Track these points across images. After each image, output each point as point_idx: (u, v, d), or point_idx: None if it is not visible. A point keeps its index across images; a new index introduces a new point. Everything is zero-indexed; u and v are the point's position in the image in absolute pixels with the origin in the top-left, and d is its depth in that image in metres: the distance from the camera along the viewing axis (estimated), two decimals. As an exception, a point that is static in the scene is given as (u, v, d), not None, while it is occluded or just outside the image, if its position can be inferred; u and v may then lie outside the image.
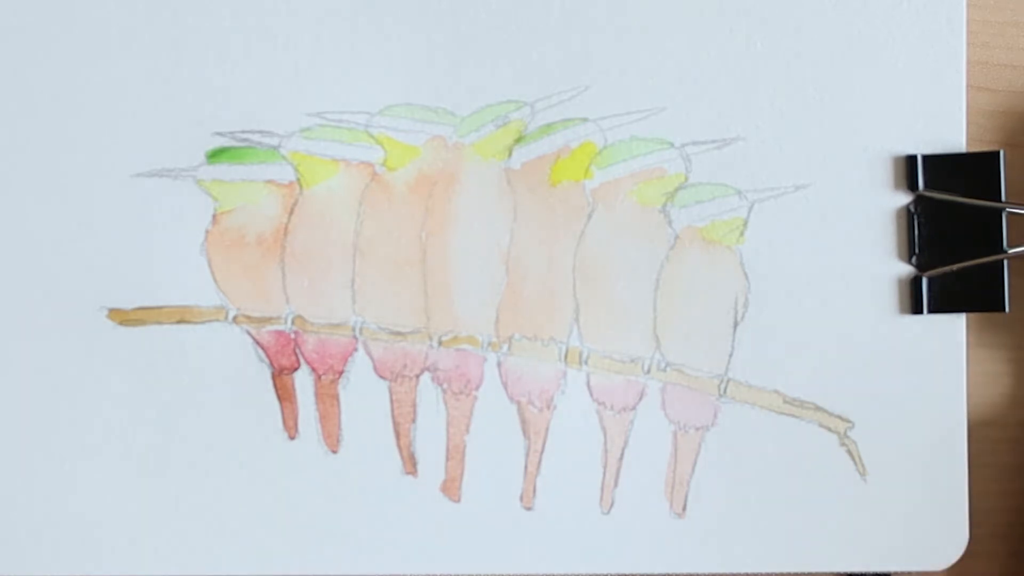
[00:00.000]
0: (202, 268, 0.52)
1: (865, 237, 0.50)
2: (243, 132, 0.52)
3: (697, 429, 0.51)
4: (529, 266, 0.51)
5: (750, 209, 0.51)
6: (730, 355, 0.51)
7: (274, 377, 0.52)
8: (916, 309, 0.50)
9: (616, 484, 0.51)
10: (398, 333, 0.52)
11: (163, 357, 0.52)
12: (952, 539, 0.51)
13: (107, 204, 0.52)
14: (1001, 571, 0.52)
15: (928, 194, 0.50)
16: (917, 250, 0.50)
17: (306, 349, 0.52)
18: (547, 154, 0.51)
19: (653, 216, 0.51)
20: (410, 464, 0.52)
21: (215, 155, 0.52)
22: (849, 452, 0.51)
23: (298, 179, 0.52)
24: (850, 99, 0.50)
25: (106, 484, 0.52)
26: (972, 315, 0.51)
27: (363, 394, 0.52)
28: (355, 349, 0.52)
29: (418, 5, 0.51)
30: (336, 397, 0.52)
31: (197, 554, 0.52)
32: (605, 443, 0.51)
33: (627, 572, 0.52)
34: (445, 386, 0.52)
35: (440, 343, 0.52)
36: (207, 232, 0.52)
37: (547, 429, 0.52)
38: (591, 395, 0.51)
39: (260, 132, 0.51)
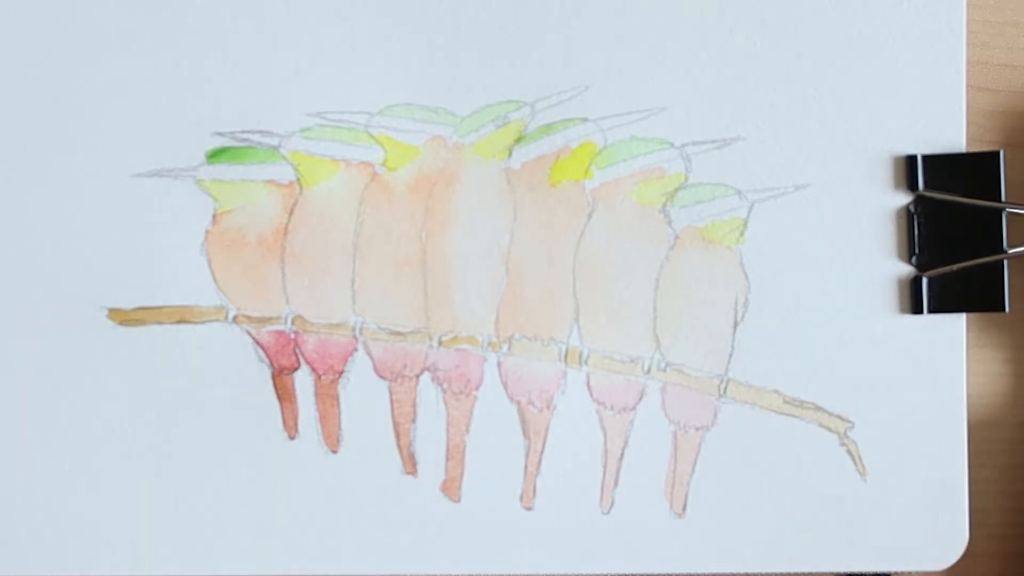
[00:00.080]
0: (202, 268, 0.52)
1: (865, 237, 0.50)
2: (243, 132, 0.52)
3: (697, 429, 0.51)
4: (529, 266, 0.51)
5: (750, 209, 0.51)
6: (730, 355, 0.51)
7: (274, 377, 0.52)
8: (916, 309, 0.50)
9: (616, 484, 0.51)
10: (398, 333, 0.52)
11: (163, 357, 0.52)
12: (952, 539, 0.51)
13: (107, 204, 0.52)
14: (1001, 571, 0.52)
15: (928, 194, 0.50)
16: (917, 250, 0.50)
17: (306, 349, 0.52)
18: (547, 154, 0.51)
19: (653, 216, 0.51)
20: (410, 464, 0.52)
21: (215, 155, 0.52)
22: (849, 452, 0.51)
23: (298, 179, 0.52)
24: (850, 99, 0.50)
25: (106, 484, 0.52)
26: (972, 315, 0.51)
27: (363, 394, 0.52)
28: (355, 349, 0.52)
29: (418, 5, 0.51)
30: (336, 397, 0.52)
31: (197, 554, 0.52)
32: (605, 443, 0.51)
33: (627, 572, 0.52)
34: (445, 386, 0.52)
35: (440, 343, 0.52)
36: (207, 232, 0.52)
37: (547, 429, 0.52)
38: (591, 395, 0.51)
39: (260, 132, 0.51)
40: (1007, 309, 0.50)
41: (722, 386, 0.51)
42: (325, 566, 0.52)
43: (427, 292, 0.51)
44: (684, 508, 0.51)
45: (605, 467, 0.52)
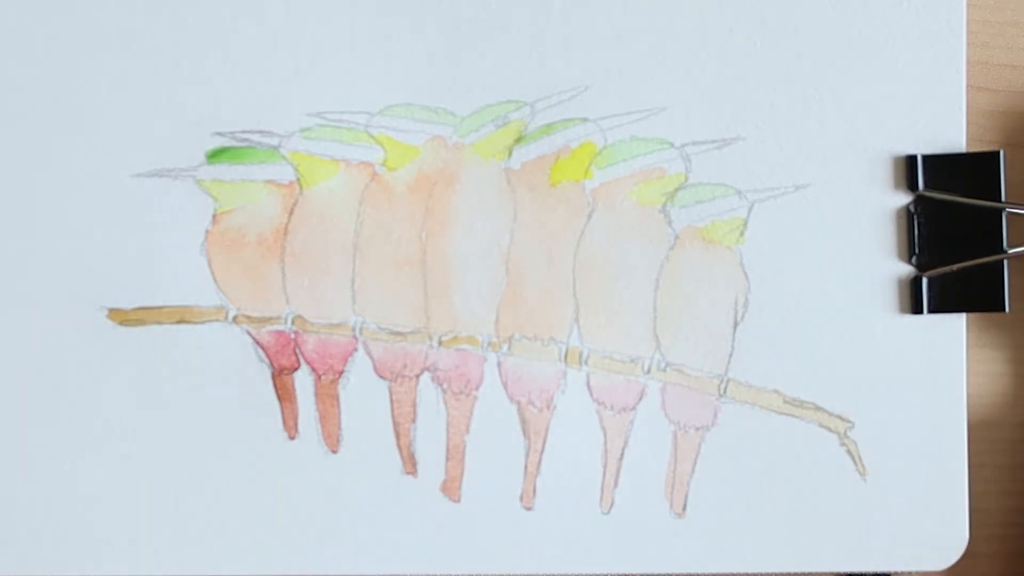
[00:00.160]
0: (202, 268, 0.52)
1: (865, 237, 0.50)
2: (243, 132, 0.52)
3: (697, 429, 0.51)
4: (529, 266, 0.51)
5: (750, 209, 0.51)
6: (730, 355, 0.51)
7: (274, 377, 0.52)
8: (916, 309, 0.50)
9: (616, 484, 0.51)
10: (398, 333, 0.52)
11: (163, 357, 0.52)
12: (952, 539, 0.51)
13: (107, 204, 0.52)
14: (1001, 571, 0.52)
15: (928, 194, 0.50)
16: (917, 250, 0.50)
17: (306, 349, 0.52)
18: (547, 154, 0.51)
19: (653, 216, 0.51)
20: (410, 464, 0.52)
21: (215, 155, 0.52)
22: (849, 452, 0.51)
23: (298, 179, 0.52)
24: (850, 99, 0.50)
25: (106, 484, 0.52)
26: (972, 315, 0.51)
27: (363, 394, 0.52)
28: (355, 349, 0.52)
29: (418, 5, 0.51)
30: (336, 397, 0.52)
31: (197, 554, 0.52)
32: (605, 443, 0.51)
33: (627, 572, 0.52)
34: (445, 386, 0.52)
35: (440, 343, 0.52)
36: (207, 232, 0.52)
37: (547, 429, 0.52)
38: (591, 395, 0.51)
39: (260, 132, 0.51)
40: (1007, 309, 0.50)
41: (722, 386, 0.51)
42: (325, 566, 0.52)
43: (427, 292, 0.51)
44: (684, 508, 0.51)
45: (605, 467, 0.52)
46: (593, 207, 0.51)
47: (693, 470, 0.51)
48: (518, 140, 0.51)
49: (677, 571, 0.51)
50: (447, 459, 0.52)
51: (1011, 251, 0.50)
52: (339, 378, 0.52)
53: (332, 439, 0.52)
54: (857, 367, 0.51)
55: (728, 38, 0.50)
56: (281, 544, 0.52)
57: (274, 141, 0.52)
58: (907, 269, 0.50)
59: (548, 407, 0.52)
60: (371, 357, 0.52)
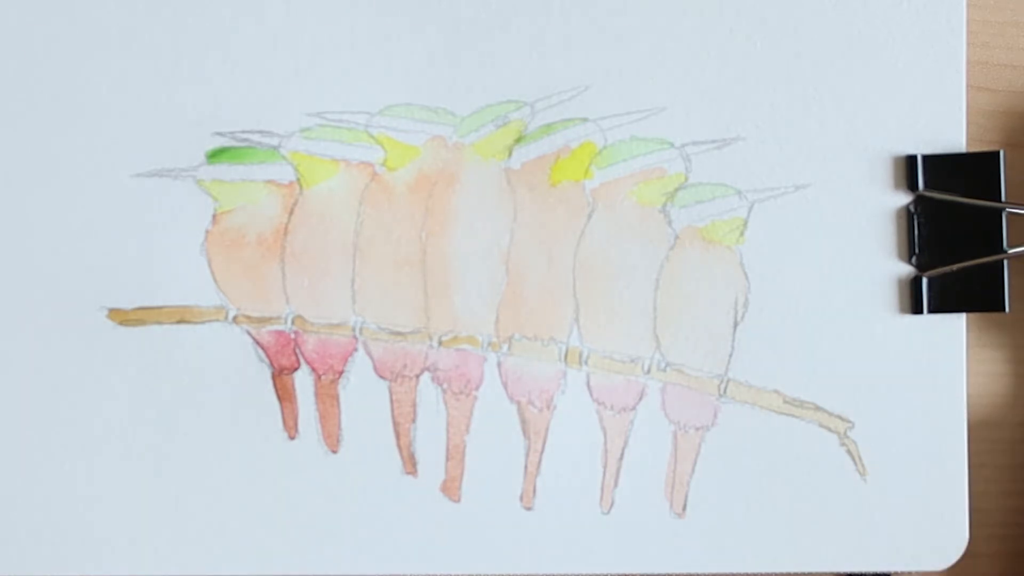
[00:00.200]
0: (202, 268, 0.52)
1: (865, 237, 0.50)
2: (243, 132, 0.52)
3: (697, 429, 0.51)
4: (529, 266, 0.51)
5: (750, 209, 0.51)
6: (730, 355, 0.51)
7: (274, 377, 0.52)
8: (916, 309, 0.50)
9: (616, 484, 0.51)
10: (398, 333, 0.52)
11: (163, 357, 0.52)
12: (952, 539, 0.51)
13: (107, 204, 0.52)
14: (1001, 571, 0.52)
15: (928, 194, 0.50)
16: (917, 250, 0.50)
17: (306, 349, 0.52)
18: (547, 154, 0.51)
19: (653, 216, 0.51)
20: (410, 464, 0.52)
21: (215, 155, 0.52)
22: (849, 452, 0.51)
23: (298, 179, 0.52)
24: (850, 99, 0.50)
25: (106, 484, 0.52)
26: (972, 315, 0.51)
27: (363, 394, 0.52)
28: (355, 349, 0.52)
29: (418, 5, 0.51)
30: (336, 397, 0.52)
31: (197, 554, 0.52)
32: (605, 443, 0.51)
33: (627, 572, 0.52)
34: (445, 386, 0.52)
35: (440, 343, 0.52)
36: (207, 232, 0.52)
37: (547, 429, 0.52)
38: (591, 395, 0.51)
39: (260, 132, 0.51)
40: (1007, 309, 0.50)
41: (722, 386, 0.51)
42: (325, 566, 0.52)
43: (427, 292, 0.51)
44: (684, 508, 0.51)
45: (605, 467, 0.52)
46: (593, 207, 0.51)
47: (693, 470, 0.51)
48: (518, 140, 0.51)
49: (677, 571, 0.51)
50: (447, 459, 0.52)
51: (1011, 251, 0.50)
52: (339, 378, 0.52)
53: (332, 439, 0.52)
54: (857, 367, 0.51)
55: (728, 38, 0.50)
56: (281, 544, 0.52)
57: (274, 141, 0.52)
58: (907, 269, 0.50)
59: (548, 407, 0.52)
60: (371, 357, 0.52)
